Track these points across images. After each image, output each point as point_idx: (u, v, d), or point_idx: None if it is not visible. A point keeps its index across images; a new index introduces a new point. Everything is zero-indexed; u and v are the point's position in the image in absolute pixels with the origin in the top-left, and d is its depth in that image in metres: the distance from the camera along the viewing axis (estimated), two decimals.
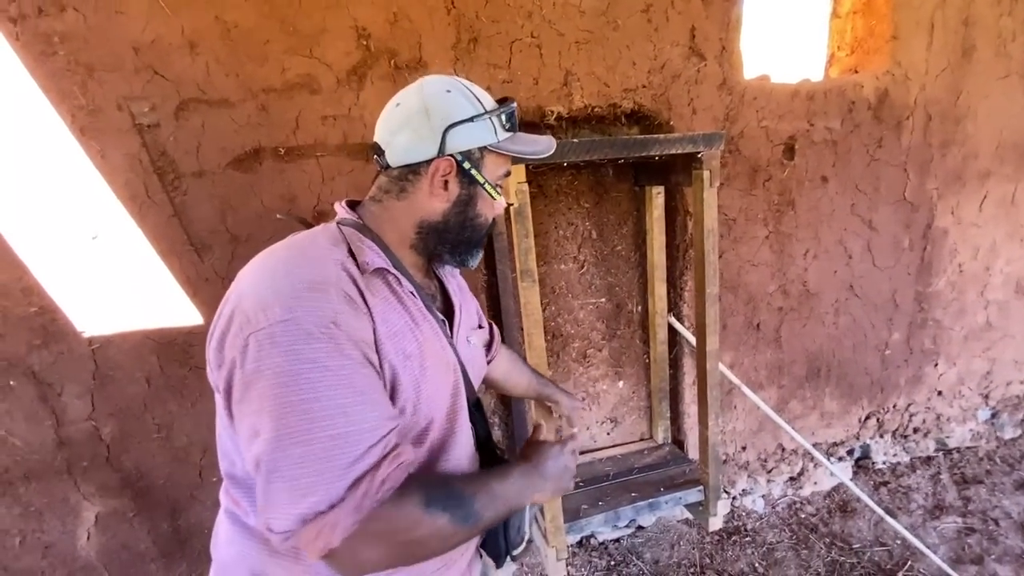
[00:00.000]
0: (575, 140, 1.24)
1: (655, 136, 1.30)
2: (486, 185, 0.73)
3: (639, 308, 1.93)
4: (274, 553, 0.66)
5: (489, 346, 1.05)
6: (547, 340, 1.84)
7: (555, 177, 1.72)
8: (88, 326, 1.36)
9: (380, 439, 0.57)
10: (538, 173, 1.68)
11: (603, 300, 1.89)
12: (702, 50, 1.66)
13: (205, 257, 1.40)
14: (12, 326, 1.31)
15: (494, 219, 0.80)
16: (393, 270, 0.69)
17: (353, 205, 0.76)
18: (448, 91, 0.70)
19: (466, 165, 0.70)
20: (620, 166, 1.76)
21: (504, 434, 1.84)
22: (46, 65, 1.22)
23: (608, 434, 2.03)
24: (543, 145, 0.79)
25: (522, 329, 1.34)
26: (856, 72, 1.98)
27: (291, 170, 1.40)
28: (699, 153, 1.37)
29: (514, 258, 1.30)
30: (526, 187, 1.23)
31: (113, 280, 1.35)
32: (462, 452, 0.77)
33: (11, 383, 1.34)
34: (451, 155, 0.69)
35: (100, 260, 1.33)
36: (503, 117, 0.72)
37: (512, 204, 1.22)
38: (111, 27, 1.23)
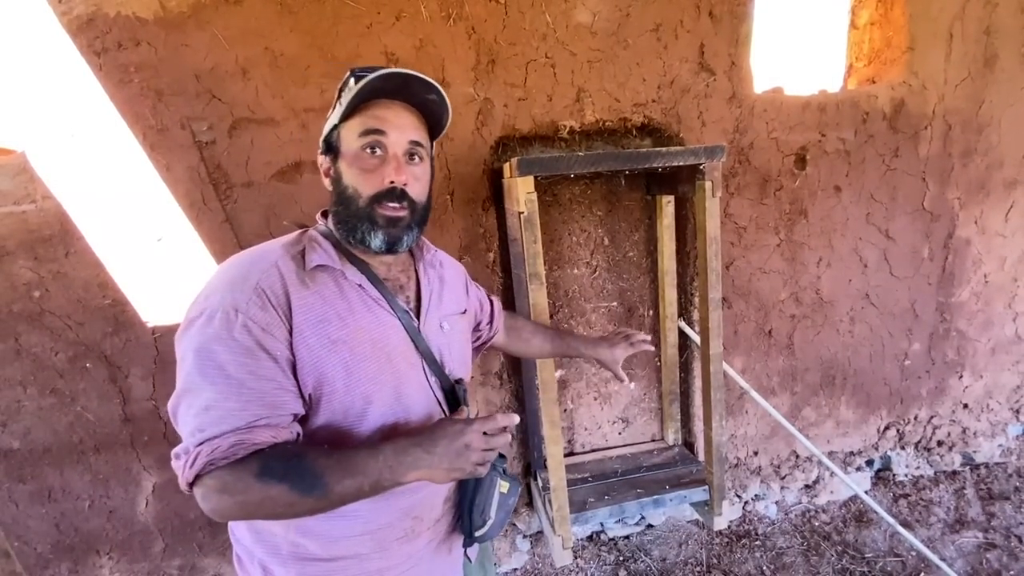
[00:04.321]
0: (580, 153, 1.34)
1: (657, 149, 1.38)
2: (341, 160, 0.79)
3: (650, 312, 2.01)
4: None
5: (487, 324, 1.17)
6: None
7: (569, 186, 1.82)
8: (152, 317, 1.55)
9: (230, 428, 0.66)
10: (552, 183, 1.78)
11: (615, 304, 1.97)
12: (711, 65, 1.73)
13: None
14: (90, 315, 1.52)
15: (383, 192, 0.77)
16: (337, 266, 0.78)
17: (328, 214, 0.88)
18: None
19: (322, 149, 0.82)
20: (632, 176, 1.84)
21: (517, 427, 1.94)
22: (123, 91, 1.42)
23: (620, 434, 2.11)
24: (366, 79, 0.73)
25: None
26: (874, 83, 2.00)
27: None
28: (702, 165, 1.44)
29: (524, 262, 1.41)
30: (534, 196, 1.33)
31: (174, 277, 1.54)
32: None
33: (87, 365, 1.55)
34: (321, 148, 0.83)
35: (163, 259, 1.52)
36: (340, 96, 0.79)
37: (522, 212, 1.34)
38: (177, 58, 1.42)
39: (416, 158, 0.80)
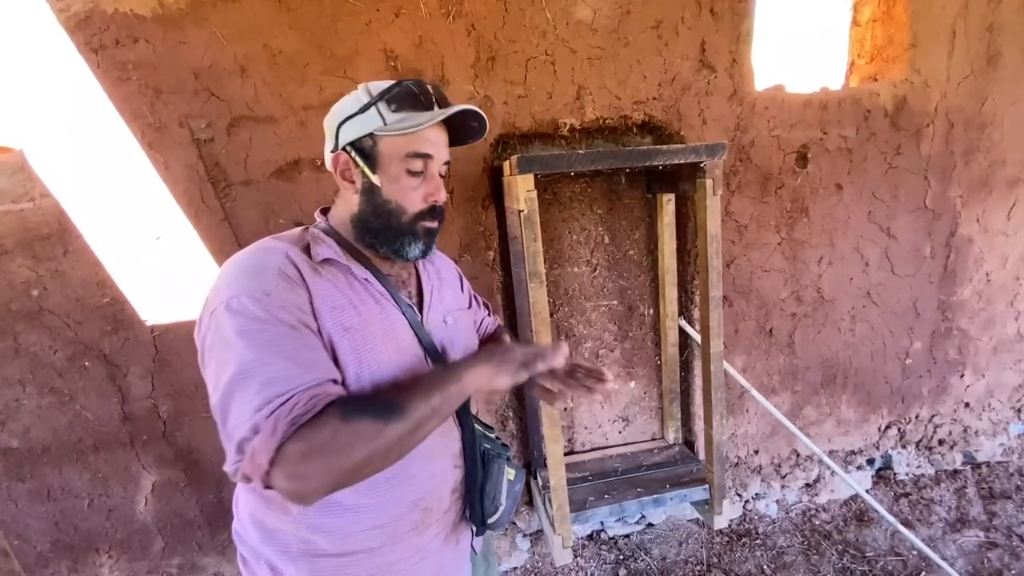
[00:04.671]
0: (581, 151, 1.33)
1: (658, 147, 1.37)
2: (379, 172, 0.78)
3: (651, 311, 2.00)
4: (270, 504, 0.78)
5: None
6: (560, 340, 1.93)
7: (569, 185, 1.81)
8: (151, 315, 1.55)
9: (301, 385, 0.64)
10: (552, 181, 1.78)
11: (615, 303, 1.97)
12: (712, 63, 1.72)
13: None
14: (88, 314, 1.51)
15: (426, 211, 0.81)
16: (343, 260, 0.79)
17: (328, 211, 0.88)
18: (352, 94, 0.80)
19: (354, 155, 0.78)
20: (632, 174, 1.83)
21: (518, 426, 1.94)
22: (121, 88, 1.41)
23: (620, 432, 2.10)
24: (434, 112, 0.78)
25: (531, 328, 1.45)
26: (875, 80, 1.99)
27: (326, 179, 1.55)
28: (703, 163, 1.43)
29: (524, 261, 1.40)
30: (534, 194, 1.33)
31: (172, 275, 1.53)
32: None
33: (86, 364, 1.55)
34: (344, 148, 0.79)
35: (162, 258, 1.52)
36: (387, 102, 0.77)
37: (522, 211, 1.33)
38: (175, 55, 1.41)
39: (443, 175, 0.85)
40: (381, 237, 0.82)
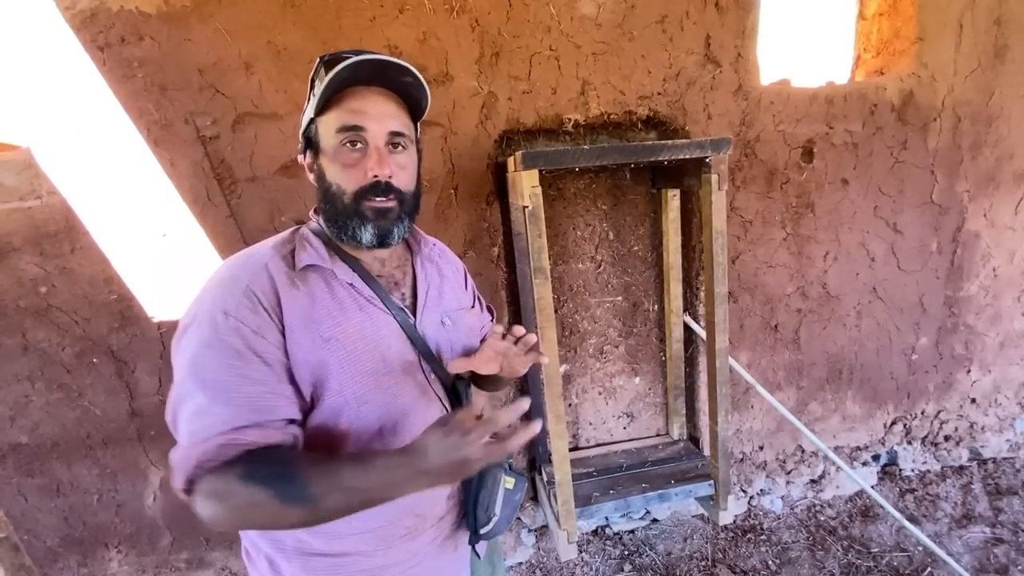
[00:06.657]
0: (585, 146, 1.33)
1: (663, 142, 1.37)
2: (322, 156, 0.76)
3: (655, 307, 2.00)
4: None
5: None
6: (565, 336, 1.94)
7: (573, 180, 1.81)
8: (158, 312, 1.56)
9: (220, 426, 0.64)
10: (557, 177, 1.77)
11: (620, 299, 1.96)
12: (717, 57, 1.71)
13: None
14: (96, 311, 1.52)
15: (367, 187, 0.74)
16: (327, 265, 0.77)
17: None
18: None
19: (303, 144, 0.79)
20: (637, 170, 1.83)
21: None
22: (127, 86, 1.42)
23: (624, 428, 2.10)
24: (329, 77, 0.70)
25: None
26: (882, 74, 1.98)
27: None
28: (707, 158, 1.43)
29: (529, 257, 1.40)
30: (539, 190, 1.32)
31: (179, 272, 1.54)
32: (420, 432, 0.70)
33: (94, 360, 1.56)
34: (301, 141, 0.79)
35: (169, 254, 1.53)
36: (313, 86, 0.75)
37: (526, 206, 1.33)
38: (180, 52, 1.41)
39: (399, 147, 0.77)
40: (335, 224, 0.77)
